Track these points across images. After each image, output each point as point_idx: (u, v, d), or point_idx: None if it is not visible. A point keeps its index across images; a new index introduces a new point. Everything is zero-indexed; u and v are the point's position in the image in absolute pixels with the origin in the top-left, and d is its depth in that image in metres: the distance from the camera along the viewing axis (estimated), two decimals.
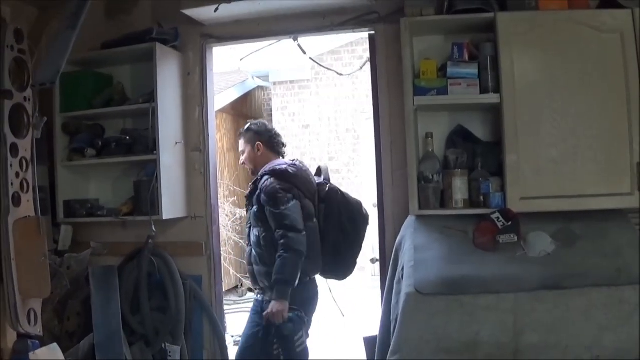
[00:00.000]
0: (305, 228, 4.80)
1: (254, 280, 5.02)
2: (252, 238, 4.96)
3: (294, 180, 4.93)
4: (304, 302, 4.85)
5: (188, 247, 5.61)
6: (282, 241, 4.70)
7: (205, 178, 5.64)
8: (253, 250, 4.94)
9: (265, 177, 4.90)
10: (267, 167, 4.98)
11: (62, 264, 5.28)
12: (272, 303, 4.63)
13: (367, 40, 5.33)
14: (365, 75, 5.81)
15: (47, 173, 5.49)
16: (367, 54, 5.42)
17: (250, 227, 5.02)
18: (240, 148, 5.22)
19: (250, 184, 5.08)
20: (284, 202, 4.77)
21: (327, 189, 5.17)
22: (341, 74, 6.05)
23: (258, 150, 5.10)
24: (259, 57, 9.13)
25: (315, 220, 4.99)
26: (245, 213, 5.76)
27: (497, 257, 4.15)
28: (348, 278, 5.18)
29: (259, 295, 5.08)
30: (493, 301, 3.97)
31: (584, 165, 4.26)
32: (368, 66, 5.39)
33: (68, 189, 5.54)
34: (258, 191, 4.88)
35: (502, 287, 3.98)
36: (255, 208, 4.93)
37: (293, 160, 5.14)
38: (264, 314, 4.68)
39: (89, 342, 5.07)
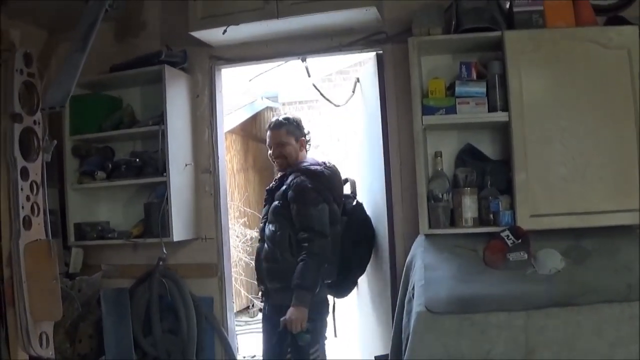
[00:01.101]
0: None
1: (260, 278, 4.99)
2: (267, 232, 4.88)
3: (327, 183, 4.88)
4: (318, 305, 4.76)
5: (199, 269, 5.58)
6: (306, 244, 4.62)
7: (215, 199, 5.63)
8: (266, 245, 4.88)
9: (297, 175, 4.84)
10: (300, 165, 4.95)
11: (74, 286, 5.29)
12: (291, 309, 4.50)
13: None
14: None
15: (58, 196, 5.50)
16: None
17: (265, 223, 4.96)
18: (276, 140, 5.04)
19: (276, 178, 5.09)
20: (315, 204, 4.72)
21: (354, 202, 5.27)
22: (338, 105, 6.00)
23: (301, 145, 5.09)
24: (268, 78, 9.17)
25: (339, 226, 4.95)
26: (253, 231, 5.59)
27: (507, 275, 4.14)
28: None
29: (262, 298, 5.11)
30: (504, 319, 3.95)
31: (593, 182, 4.24)
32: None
33: (79, 212, 5.54)
34: (285, 187, 4.83)
35: (513, 305, 3.96)
36: (277, 203, 4.85)
37: (326, 162, 5.08)
38: (282, 319, 4.52)
39: None
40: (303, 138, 5.10)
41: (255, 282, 5.37)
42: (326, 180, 4.87)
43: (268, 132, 5.13)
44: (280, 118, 5.15)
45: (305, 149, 5.12)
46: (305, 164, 4.96)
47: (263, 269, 4.89)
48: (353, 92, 6.05)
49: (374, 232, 5.31)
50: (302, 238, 4.65)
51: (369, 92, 5.62)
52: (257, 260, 5.01)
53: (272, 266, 4.79)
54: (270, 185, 5.12)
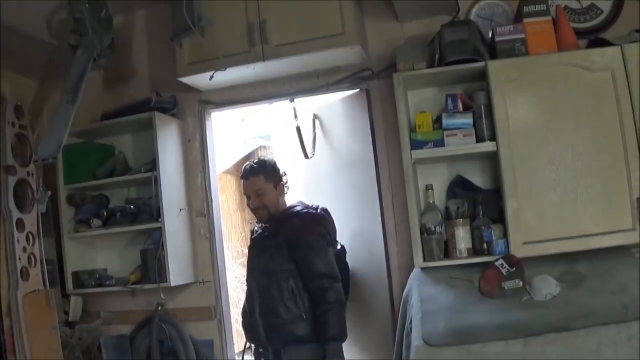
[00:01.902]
0: None
1: (255, 337, 4.69)
2: (262, 286, 4.64)
3: (327, 226, 4.80)
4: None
5: (197, 312, 5.57)
6: (324, 293, 4.48)
7: (211, 242, 5.63)
8: (261, 300, 4.64)
9: (294, 221, 4.69)
10: (291, 210, 4.81)
11: (73, 335, 5.30)
12: None
13: None
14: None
15: (54, 245, 5.50)
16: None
17: (258, 273, 4.72)
18: (253, 188, 4.80)
19: (261, 226, 4.90)
20: (323, 249, 4.60)
21: (338, 246, 5.02)
22: (308, 157, 5.76)
23: (281, 191, 4.89)
24: (260, 117, 9.19)
25: None
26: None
27: (503, 304, 4.15)
28: None
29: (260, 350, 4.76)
30: (502, 348, 3.96)
31: (584, 205, 4.26)
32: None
33: (76, 260, 5.53)
34: (283, 235, 4.61)
35: (510, 334, 3.97)
36: (275, 253, 4.62)
37: (314, 205, 4.93)
38: None
39: None
40: (281, 183, 4.90)
41: None
42: (326, 223, 4.81)
43: (243, 181, 4.91)
44: (254, 163, 4.90)
45: (284, 193, 4.94)
46: (297, 208, 4.84)
47: (260, 327, 4.62)
48: (314, 132, 5.92)
49: (349, 279, 5.16)
50: (317, 287, 4.51)
51: (341, 131, 5.67)
52: (250, 317, 4.71)
53: (275, 322, 4.56)
54: (256, 233, 4.95)
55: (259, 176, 4.80)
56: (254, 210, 4.87)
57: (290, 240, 4.60)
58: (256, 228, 5.00)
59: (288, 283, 4.57)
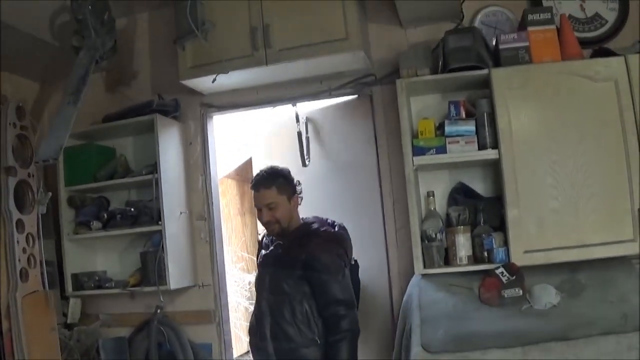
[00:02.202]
0: None
1: (265, 356, 4.37)
2: (273, 307, 4.36)
3: (346, 246, 4.51)
4: None
5: (197, 316, 5.57)
6: (339, 321, 4.20)
7: (212, 246, 5.62)
8: (272, 322, 4.35)
9: (316, 239, 4.35)
10: (310, 227, 4.49)
11: (72, 337, 5.30)
12: None
13: None
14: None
15: (54, 247, 5.50)
16: None
17: (269, 293, 4.42)
18: (266, 201, 4.43)
19: (271, 240, 4.61)
20: (341, 273, 4.30)
21: (352, 261, 4.67)
22: (306, 165, 5.63)
23: (294, 204, 4.55)
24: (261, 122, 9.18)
25: None
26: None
27: (503, 312, 4.14)
28: None
29: None
30: (501, 356, 3.95)
31: (586, 215, 4.24)
32: None
33: (75, 262, 5.52)
34: (303, 255, 4.27)
35: (509, 342, 3.97)
36: (290, 273, 4.32)
37: (330, 221, 4.66)
38: None
39: None
40: (295, 194, 4.56)
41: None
42: (344, 243, 4.51)
43: (253, 192, 4.54)
44: (265, 173, 4.53)
45: (297, 205, 4.60)
46: (314, 225, 4.51)
47: (271, 349, 4.34)
48: (307, 136, 5.87)
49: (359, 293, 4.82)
50: (332, 314, 4.23)
51: (338, 136, 5.68)
52: (260, 339, 4.41)
53: (287, 346, 4.29)
54: (267, 248, 4.65)
55: (271, 188, 4.44)
56: (265, 224, 4.51)
57: (307, 261, 4.27)
58: (266, 241, 4.73)
59: (302, 306, 4.29)
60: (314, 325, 4.28)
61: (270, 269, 4.49)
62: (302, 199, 4.63)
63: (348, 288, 4.33)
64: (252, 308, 5.04)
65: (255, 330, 4.52)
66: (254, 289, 4.73)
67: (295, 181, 4.59)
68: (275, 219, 4.43)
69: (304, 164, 5.71)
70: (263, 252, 4.69)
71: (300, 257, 4.29)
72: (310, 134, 5.59)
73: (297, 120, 5.71)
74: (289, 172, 4.61)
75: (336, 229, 4.56)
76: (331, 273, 4.25)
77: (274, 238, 4.59)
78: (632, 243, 4.20)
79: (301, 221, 4.59)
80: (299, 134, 5.66)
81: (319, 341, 4.27)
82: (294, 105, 5.53)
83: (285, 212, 4.45)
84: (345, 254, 4.46)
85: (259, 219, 4.57)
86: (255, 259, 5.06)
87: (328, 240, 4.40)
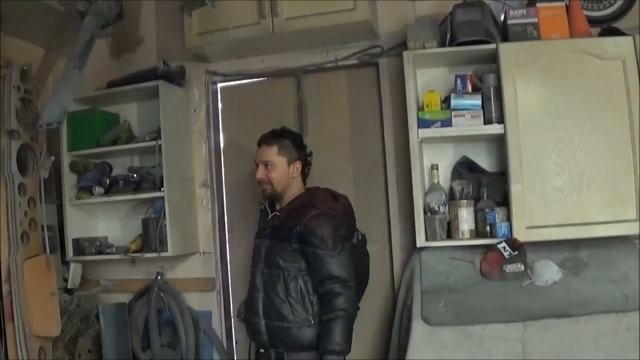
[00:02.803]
0: None
1: (258, 334, 4.28)
2: (267, 281, 4.25)
3: (348, 220, 4.43)
4: None
5: (197, 283, 5.57)
6: (333, 298, 4.04)
7: (213, 213, 5.62)
8: (265, 298, 4.24)
9: (314, 211, 4.18)
10: (314, 200, 4.31)
11: (72, 302, 5.29)
12: None
13: None
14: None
15: (56, 211, 5.50)
16: None
17: (264, 267, 4.30)
18: (263, 157, 4.34)
19: (265, 209, 4.49)
20: (339, 248, 4.12)
21: (359, 236, 4.65)
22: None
23: (294, 170, 4.38)
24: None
25: None
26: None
27: (504, 287, 4.15)
28: None
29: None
30: (501, 331, 3.97)
31: (589, 192, 4.24)
32: None
33: (77, 227, 5.52)
34: (300, 228, 4.12)
35: (510, 317, 3.99)
36: (287, 246, 4.18)
37: (333, 192, 4.52)
38: None
39: None
40: (298, 162, 4.40)
41: None
42: (346, 216, 4.41)
43: (257, 147, 4.44)
44: (274, 130, 4.46)
45: (303, 176, 4.49)
46: (313, 196, 4.36)
47: (263, 328, 4.24)
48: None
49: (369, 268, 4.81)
50: (327, 291, 4.08)
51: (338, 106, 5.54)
52: (253, 315, 4.32)
53: (280, 325, 4.16)
54: (263, 219, 4.54)
55: (273, 146, 4.33)
56: (259, 182, 4.36)
57: (302, 234, 4.13)
58: (265, 209, 4.53)
59: (296, 282, 4.16)
60: (308, 304, 4.16)
61: (266, 240, 4.37)
62: (309, 170, 4.53)
63: (346, 265, 4.14)
64: None
65: (249, 304, 4.42)
66: None
67: (304, 148, 4.48)
68: (268, 178, 4.32)
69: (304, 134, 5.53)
70: (260, 222, 4.62)
71: (296, 230, 4.16)
72: (312, 103, 5.54)
73: (301, 89, 5.57)
74: (301, 138, 4.54)
75: (339, 201, 4.42)
76: (327, 248, 4.09)
77: (273, 207, 4.47)
78: (634, 223, 4.20)
79: (302, 190, 4.47)
80: (301, 102, 5.56)
81: (312, 321, 4.13)
82: (298, 75, 5.47)
83: (281, 175, 4.33)
84: (346, 228, 4.34)
85: (256, 177, 4.40)
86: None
87: (326, 213, 4.22)
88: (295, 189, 4.42)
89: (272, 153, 4.32)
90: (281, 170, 4.32)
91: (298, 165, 4.39)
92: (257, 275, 4.35)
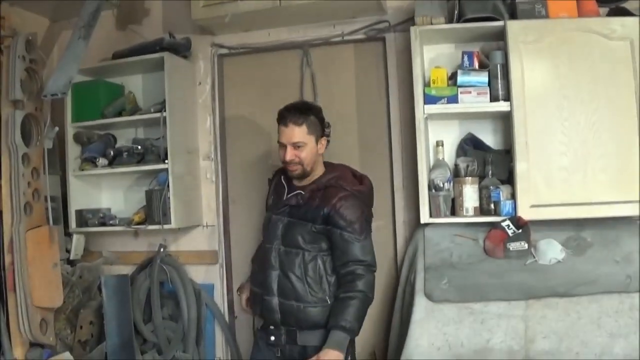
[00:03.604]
0: None
1: (270, 313, 4.13)
2: (286, 261, 4.10)
3: (369, 202, 4.33)
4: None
5: (200, 256, 5.58)
6: (354, 280, 3.94)
7: (217, 186, 5.61)
8: (283, 277, 4.10)
9: (343, 194, 4.07)
10: (340, 181, 4.18)
11: (74, 273, 5.31)
12: (330, 352, 3.81)
13: None
14: None
15: (59, 182, 5.50)
16: None
17: (282, 244, 4.15)
18: (293, 139, 4.09)
19: (284, 183, 4.33)
20: (367, 233, 4.07)
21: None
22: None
23: (321, 147, 4.22)
24: None
25: None
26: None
27: (507, 265, 4.16)
28: None
29: (273, 338, 4.18)
30: (504, 308, 3.99)
31: (594, 172, 4.24)
32: None
33: (80, 199, 5.52)
34: (328, 209, 4.00)
35: (512, 295, 4.01)
36: (307, 227, 4.07)
37: (355, 172, 4.39)
38: None
39: (101, 350, 5.08)
40: (324, 138, 4.24)
41: None
42: (368, 199, 4.32)
43: (282, 127, 4.15)
44: (298, 106, 4.22)
45: (324, 149, 4.28)
46: (341, 177, 4.22)
47: (276, 307, 4.10)
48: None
49: None
50: (349, 271, 3.97)
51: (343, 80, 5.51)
52: (266, 293, 4.16)
53: (296, 305, 4.04)
54: (280, 192, 4.37)
55: (302, 126, 4.09)
56: (287, 164, 4.15)
57: (330, 216, 4.01)
58: (280, 182, 4.41)
59: (316, 262, 4.07)
60: (325, 284, 4.06)
61: (285, 217, 4.20)
62: (329, 143, 4.31)
63: (371, 250, 4.07)
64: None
65: (259, 280, 4.28)
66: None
67: (325, 122, 4.29)
68: (299, 159, 4.11)
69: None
70: (274, 197, 4.44)
71: (323, 211, 4.03)
72: (318, 78, 5.51)
73: (309, 63, 5.51)
74: (321, 110, 4.31)
75: (364, 182, 4.31)
76: (355, 231, 3.99)
77: (291, 183, 4.30)
78: (639, 204, 4.19)
79: (324, 168, 4.32)
80: (312, 76, 5.52)
81: (328, 301, 4.03)
82: (304, 48, 5.44)
83: (311, 154, 4.14)
84: (370, 212, 4.31)
85: (281, 157, 4.18)
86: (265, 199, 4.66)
87: (353, 195, 4.13)
88: (320, 166, 4.28)
89: (302, 133, 4.10)
90: (311, 149, 4.13)
91: (324, 142, 4.24)
92: (271, 252, 4.18)
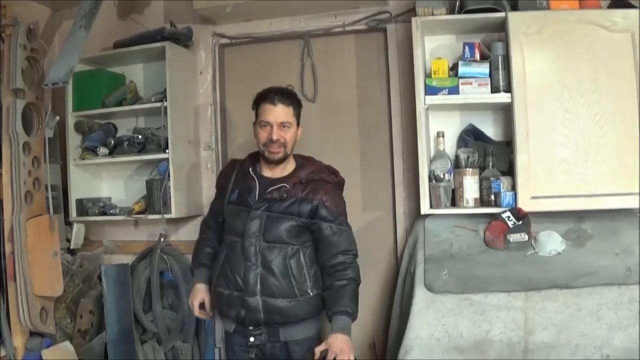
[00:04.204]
0: None
1: (251, 313, 3.93)
2: (271, 259, 3.93)
3: None
4: None
5: None
6: (349, 269, 3.94)
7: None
8: (272, 276, 3.92)
9: (330, 187, 4.07)
10: (322, 173, 4.13)
11: (75, 262, 5.32)
12: (341, 337, 3.73)
13: None
14: None
15: (60, 172, 5.50)
16: None
17: (263, 240, 3.95)
18: (280, 118, 3.98)
19: (277, 185, 4.02)
20: (348, 223, 4.09)
21: None
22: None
23: (299, 134, 4.13)
24: None
25: None
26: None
27: (507, 256, 4.17)
28: None
29: (253, 339, 4.00)
30: (504, 300, 3.99)
31: (595, 165, 4.24)
32: None
33: (80, 188, 5.53)
34: (316, 202, 3.96)
35: (512, 286, 4.01)
36: (297, 220, 3.96)
37: (327, 164, 4.30)
38: (319, 349, 3.73)
39: (101, 340, 5.09)
40: (301, 127, 4.16)
41: None
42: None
43: (267, 106, 4.00)
44: (284, 89, 4.13)
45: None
46: (317, 166, 4.20)
47: (259, 306, 3.93)
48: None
49: None
50: (339, 262, 3.95)
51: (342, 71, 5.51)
52: (245, 291, 3.95)
53: (281, 302, 3.92)
54: (244, 185, 4.13)
55: (289, 107, 4.02)
56: (271, 144, 3.98)
57: (318, 209, 3.97)
58: (249, 174, 4.14)
59: (298, 256, 3.98)
60: (306, 276, 3.99)
61: (265, 212, 3.99)
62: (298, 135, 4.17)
63: (354, 239, 4.08)
64: None
65: (232, 280, 4.03)
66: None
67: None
68: (284, 140, 3.99)
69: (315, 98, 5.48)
70: (240, 190, 4.15)
71: (312, 204, 3.97)
72: (319, 68, 5.51)
73: (310, 54, 5.52)
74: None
75: (338, 175, 4.26)
76: (342, 223, 4.03)
77: (262, 176, 4.12)
78: (639, 196, 4.20)
79: (294, 160, 4.21)
80: (313, 67, 5.53)
81: (310, 294, 3.98)
82: (305, 38, 5.43)
83: (293, 138, 4.06)
84: None
85: (264, 138, 4.00)
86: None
87: (338, 188, 4.19)
88: (292, 152, 4.15)
89: (289, 113, 4.01)
90: (293, 133, 4.05)
91: (300, 131, 4.15)
92: (248, 248, 3.96)
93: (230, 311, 4.04)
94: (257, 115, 4.08)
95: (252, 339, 4.01)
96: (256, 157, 4.21)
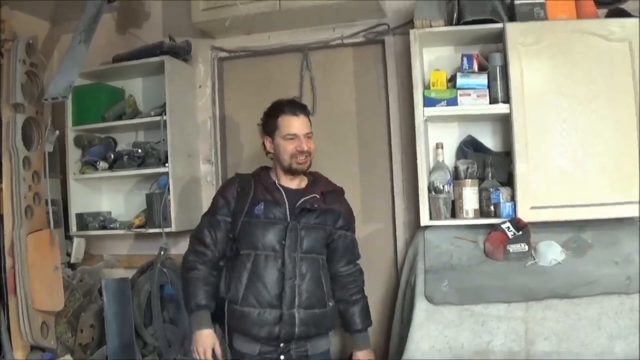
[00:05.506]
0: None
1: (286, 327, 3.81)
2: (309, 271, 3.90)
3: None
4: None
5: None
6: (362, 277, 4.17)
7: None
8: (311, 289, 3.88)
9: (341, 195, 4.18)
10: (331, 183, 4.20)
11: (75, 276, 5.33)
12: (369, 352, 4.10)
13: None
14: None
15: (60, 186, 5.50)
16: None
17: (301, 253, 3.89)
18: (305, 129, 3.98)
19: (308, 196, 3.99)
20: None
21: None
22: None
23: None
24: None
25: None
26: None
27: (507, 267, 4.16)
28: None
29: (283, 357, 3.90)
30: (504, 310, 3.99)
31: (594, 174, 4.24)
32: None
33: (80, 202, 5.53)
34: (342, 210, 4.08)
35: (513, 297, 4.00)
36: (327, 230, 3.99)
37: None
38: None
39: (102, 354, 5.08)
40: None
41: None
42: None
43: (290, 117, 3.96)
44: (298, 100, 4.21)
45: None
46: (326, 180, 4.23)
47: (296, 320, 3.81)
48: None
49: None
50: (358, 269, 4.14)
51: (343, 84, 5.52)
52: (285, 308, 3.82)
53: (319, 313, 3.91)
54: (269, 198, 3.98)
55: (308, 117, 4.04)
56: (300, 155, 3.93)
57: (343, 217, 4.06)
58: (275, 186, 4.04)
59: (325, 265, 4.01)
60: (329, 286, 4.00)
61: (300, 224, 3.91)
62: None
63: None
64: None
65: (264, 297, 3.84)
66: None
67: None
68: (311, 151, 3.98)
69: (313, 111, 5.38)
70: (266, 202, 3.97)
71: (337, 213, 4.04)
72: (318, 81, 5.52)
73: (309, 67, 5.54)
74: None
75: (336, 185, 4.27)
76: (353, 230, 4.18)
77: (288, 188, 4.02)
78: (639, 204, 4.20)
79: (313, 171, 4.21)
80: (312, 80, 5.53)
81: (331, 304, 4.00)
82: (304, 52, 5.44)
83: (314, 148, 4.02)
84: None
85: (291, 150, 3.93)
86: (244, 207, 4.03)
87: (343, 194, 4.24)
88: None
89: (309, 124, 4.02)
90: (313, 143, 4.03)
91: None
92: (287, 261, 3.85)
93: (261, 330, 3.85)
94: (274, 128, 4.01)
95: (282, 357, 3.90)
96: (268, 170, 4.18)
